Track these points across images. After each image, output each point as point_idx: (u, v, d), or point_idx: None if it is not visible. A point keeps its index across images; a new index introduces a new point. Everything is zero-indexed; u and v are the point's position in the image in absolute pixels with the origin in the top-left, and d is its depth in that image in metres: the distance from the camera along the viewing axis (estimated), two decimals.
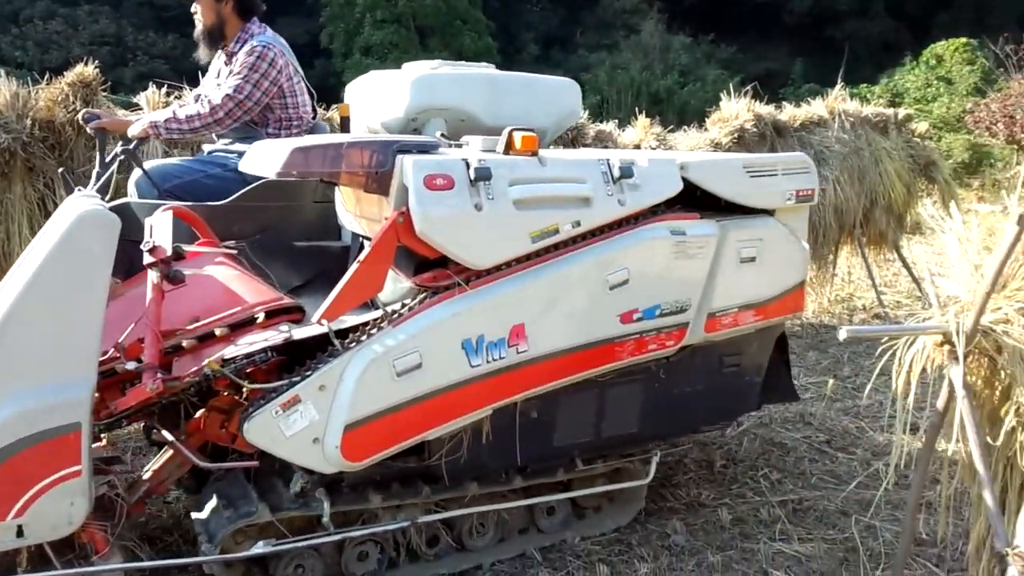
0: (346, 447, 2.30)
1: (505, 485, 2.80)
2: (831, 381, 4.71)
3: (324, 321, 2.26)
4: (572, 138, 5.48)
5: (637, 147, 5.60)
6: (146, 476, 2.63)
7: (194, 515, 2.59)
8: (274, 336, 2.35)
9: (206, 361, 2.19)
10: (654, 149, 5.52)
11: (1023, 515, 1.94)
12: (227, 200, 2.88)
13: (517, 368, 2.51)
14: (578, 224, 2.52)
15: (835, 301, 6.71)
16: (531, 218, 2.44)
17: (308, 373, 2.26)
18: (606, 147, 5.48)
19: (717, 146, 5.62)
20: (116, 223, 2.27)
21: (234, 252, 2.68)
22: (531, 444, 2.73)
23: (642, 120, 5.82)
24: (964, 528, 2.57)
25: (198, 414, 2.60)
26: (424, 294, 2.40)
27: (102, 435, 2.74)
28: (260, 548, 2.36)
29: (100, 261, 2.24)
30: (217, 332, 2.42)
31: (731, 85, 6.62)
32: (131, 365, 2.26)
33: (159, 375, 2.22)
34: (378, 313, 2.37)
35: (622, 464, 3.03)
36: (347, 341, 2.32)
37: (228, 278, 2.55)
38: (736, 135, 5.69)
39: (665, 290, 2.72)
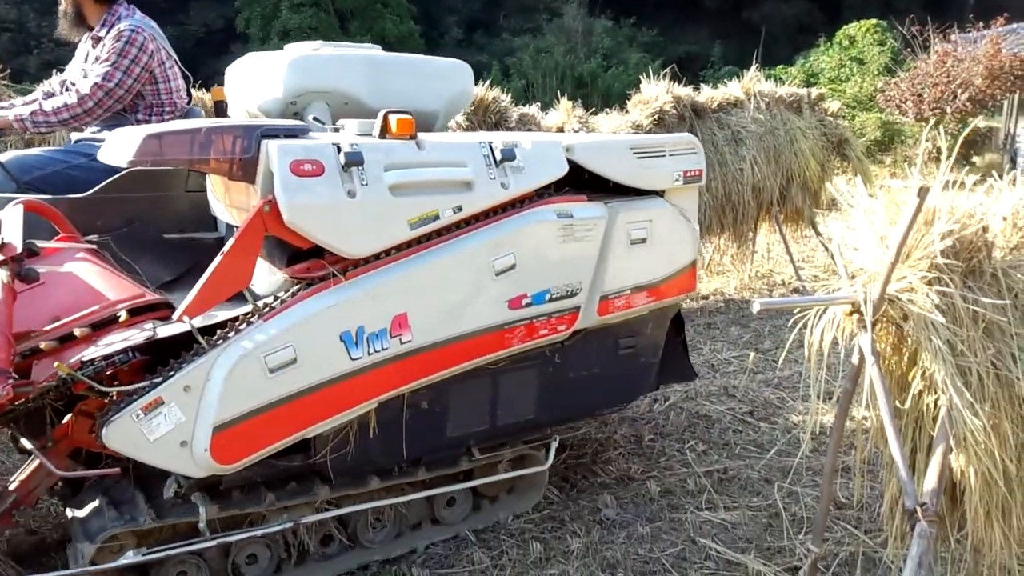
0: (216, 449, 2.19)
1: (396, 479, 2.73)
2: (752, 354, 4.81)
3: (186, 318, 2.14)
4: (496, 122, 5.43)
5: (560, 130, 5.59)
6: (12, 487, 2.47)
7: (68, 524, 2.45)
8: (136, 335, 2.21)
9: (56, 364, 2.04)
10: (576, 132, 5.51)
11: (930, 474, 1.99)
12: (89, 192, 2.72)
13: (402, 359, 2.43)
14: (460, 209, 2.45)
15: (755, 277, 6.87)
16: (409, 204, 2.36)
17: (171, 374, 2.14)
18: (529, 131, 5.43)
19: (639, 128, 5.66)
20: None
21: (94, 247, 2.52)
22: (423, 436, 2.67)
23: (564, 103, 5.83)
24: (879, 490, 2.67)
25: (66, 419, 2.45)
26: (299, 286, 2.30)
27: None
28: (130, 558, 2.24)
29: None
30: (77, 332, 2.27)
31: (652, 68, 6.66)
32: None
33: (10, 380, 2.07)
34: (247, 308, 2.25)
35: (521, 451, 2.99)
36: (214, 338, 2.20)
37: (88, 275, 2.40)
38: (657, 117, 5.75)
39: (554, 274, 2.67)
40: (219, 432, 2.19)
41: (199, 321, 2.24)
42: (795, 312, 2.22)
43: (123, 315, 2.30)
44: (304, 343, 2.25)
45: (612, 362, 3.01)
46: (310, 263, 2.30)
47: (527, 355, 2.76)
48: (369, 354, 2.36)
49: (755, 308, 2.04)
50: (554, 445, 3.02)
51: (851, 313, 2.12)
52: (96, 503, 2.42)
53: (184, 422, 2.16)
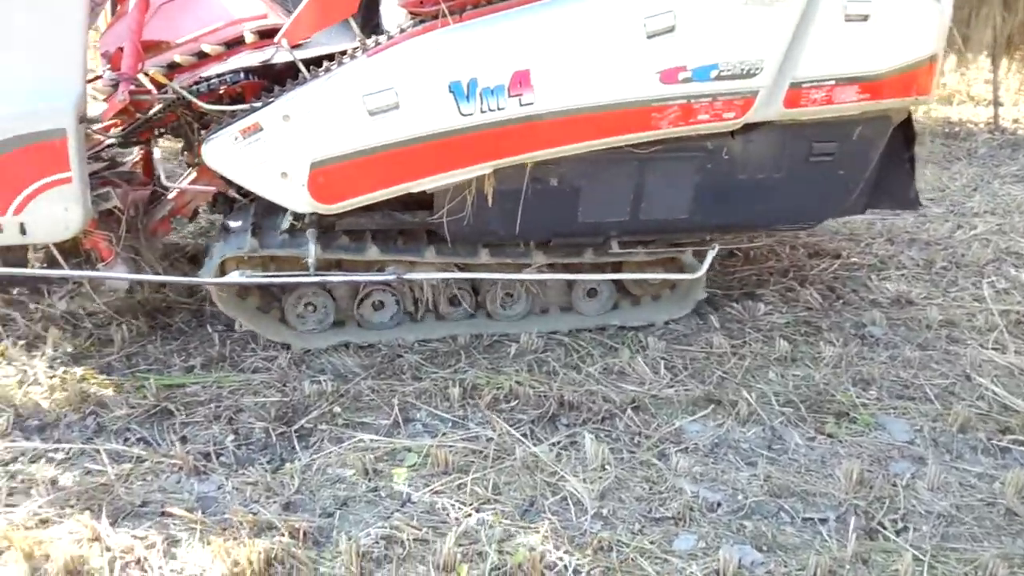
0: (314, 187, 2.14)
1: (521, 257, 2.56)
2: None
3: (284, 42, 2.02)
4: None
5: None
6: (171, 196, 2.64)
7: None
8: (253, 57, 2.15)
9: (152, 72, 2.05)
10: None
11: None
12: None
13: (521, 123, 2.16)
14: None
15: None
16: None
17: (271, 100, 2.07)
18: None
19: None
20: None
21: None
22: (549, 216, 2.43)
23: None
24: None
25: None
26: (411, 23, 2.07)
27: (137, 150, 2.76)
28: (235, 277, 2.32)
29: None
30: (207, 49, 2.26)
31: None
32: (110, 75, 2.18)
33: (131, 87, 2.12)
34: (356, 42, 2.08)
35: (673, 254, 2.67)
36: (320, 70, 2.07)
37: None
38: None
39: (726, 45, 2.17)
40: (317, 169, 2.12)
41: (311, 52, 2.12)
42: None
43: (250, 36, 2.25)
44: (408, 87, 2.06)
45: (799, 170, 2.49)
46: None
47: (684, 143, 2.35)
48: (482, 112, 2.12)
49: None
50: (712, 253, 2.64)
51: None
52: (235, 224, 2.52)
53: (282, 153, 2.11)
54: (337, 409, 2.26)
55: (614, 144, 2.26)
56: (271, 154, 2.10)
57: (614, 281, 2.74)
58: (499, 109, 2.12)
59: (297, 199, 2.18)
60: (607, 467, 2.07)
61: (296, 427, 2.18)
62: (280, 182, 2.15)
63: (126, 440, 2.12)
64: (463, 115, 2.11)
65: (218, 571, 1.70)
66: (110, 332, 2.56)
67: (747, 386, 2.42)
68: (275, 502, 1.91)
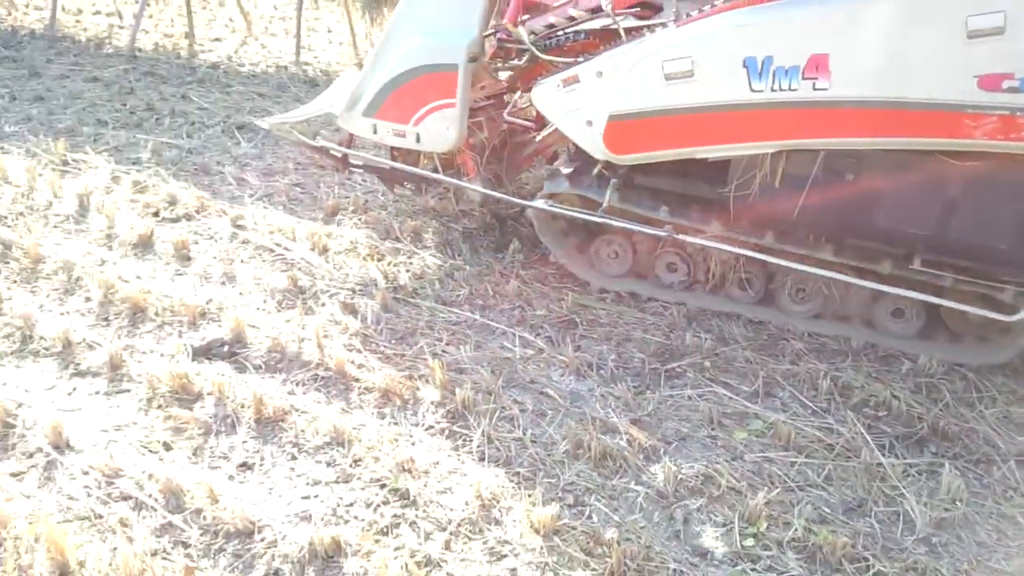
0: (608, 136, 2.43)
1: (805, 248, 2.52)
2: None
3: (608, 8, 2.33)
4: None
5: None
6: (538, 139, 3.15)
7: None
8: (598, 21, 2.51)
9: (504, 22, 2.51)
10: None
11: None
12: None
13: (813, 107, 2.17)
14: None
15: None
16: None
17: (591, 57, 2.41)
18: None
19: None
20: None
21: None
22: (840, 210, 2.38)
23: None
24: None
25: None
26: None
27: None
28: (540, 204, 2.73)
29: None
30: (574, 13, 2.68)
31: None
32: (494, 25, 2.72)
33: (500, 35, 2.65)
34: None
35: (986, 288, 2.38)
36: (638, 35, 2.35)
37: None
38: None
39: None
40: (613, 121, 2.41)
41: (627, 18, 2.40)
42: None
43: (606, 4, 2.60)
44: (704, 58, 2.23)
45: None
46: None
47: (1011, 160, 2.10)
48: (773, 90, 2.19)
49: None
50: None
51: None
52: (566, 168, 2.93)
53: (590, 104, 2.44)
54: (707, 364, 2.46)
55: (915, 146, 2.14)
56: (582, 104, 2.45)
57: (927, 308, 2.53)
58: (791, 90, 2.17)
59: (595, 146, 2.50)
60: (958, 503, 1.95)
61: (667, 367, 2.44)
62: (585, 129, 2.49)
63: (537, 334, 2.60)
64: (753, 91, 2.21)
65: (565, 446, 2.06)
66: None
67: None
68: (627, 416, 2.20)
